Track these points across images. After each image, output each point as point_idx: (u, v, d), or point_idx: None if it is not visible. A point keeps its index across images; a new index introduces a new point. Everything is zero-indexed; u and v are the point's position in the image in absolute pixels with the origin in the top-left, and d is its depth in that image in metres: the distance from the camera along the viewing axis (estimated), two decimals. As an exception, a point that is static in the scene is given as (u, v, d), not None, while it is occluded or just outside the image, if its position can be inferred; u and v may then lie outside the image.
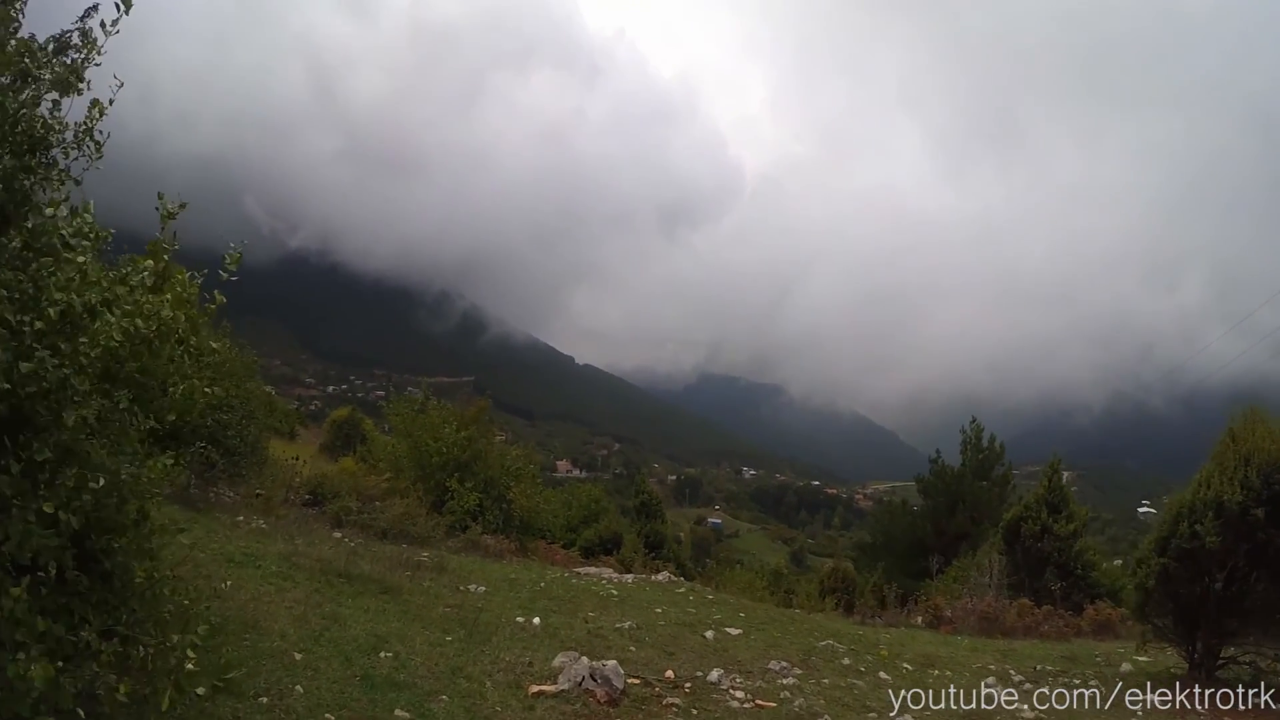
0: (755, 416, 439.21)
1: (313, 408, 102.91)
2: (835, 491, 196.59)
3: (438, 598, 8.37)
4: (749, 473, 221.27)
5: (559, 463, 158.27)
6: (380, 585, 8.19)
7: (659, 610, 9.78)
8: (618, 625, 8.34)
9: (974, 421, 30.14)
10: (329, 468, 27.13)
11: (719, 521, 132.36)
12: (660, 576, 12.73)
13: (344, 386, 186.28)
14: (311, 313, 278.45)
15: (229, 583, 7.16)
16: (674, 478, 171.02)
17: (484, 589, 9.26)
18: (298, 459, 16.39)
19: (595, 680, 6.03)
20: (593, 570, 13.39)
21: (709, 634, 8.74)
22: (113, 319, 3.90)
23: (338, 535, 13.07)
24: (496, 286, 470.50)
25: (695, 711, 6.14)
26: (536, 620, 7.88)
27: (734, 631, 9.16)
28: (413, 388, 19.42)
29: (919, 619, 15.88)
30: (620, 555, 24.62)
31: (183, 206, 5.49)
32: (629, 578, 12.39)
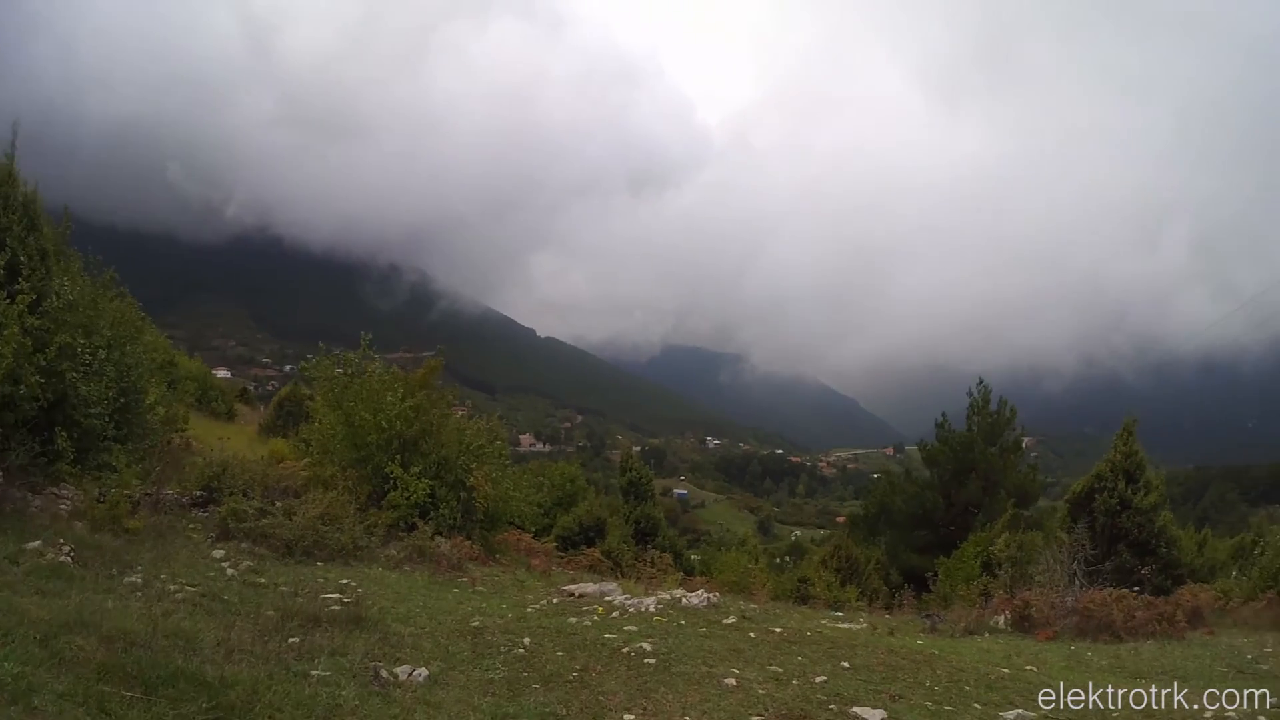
0: (716, 385, 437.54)
1: (269, 388, 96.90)
2: (799, 460, 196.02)
3: (330, 716, 4.19)
4: (713, 442, 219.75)
5: (522, 436, 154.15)
6: (210, 698, 3.99)
7: (730, 680, 5.76)
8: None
9: (981, 383, 28.09)
10: (258, 451, 22.64)
11: (684, 492, 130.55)
12: (695, 598, 8.69)
13: (300, 365, 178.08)
14: (261, 290, 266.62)
15: None
16: (638, 449, 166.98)
17: (426, 673, 5.07)
18: (171, 441, 11.81)
19: None
20: (591, 589, 9.31)
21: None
22: None
23: (218, 556, 8.80)
24: (449, 257, 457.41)
25: None
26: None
27: (875, 717, 5.20)
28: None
29: (1000, 619, 12.60)
30: (604, 546, 20.66)
31: None
32: (649, 603, 8.34)
